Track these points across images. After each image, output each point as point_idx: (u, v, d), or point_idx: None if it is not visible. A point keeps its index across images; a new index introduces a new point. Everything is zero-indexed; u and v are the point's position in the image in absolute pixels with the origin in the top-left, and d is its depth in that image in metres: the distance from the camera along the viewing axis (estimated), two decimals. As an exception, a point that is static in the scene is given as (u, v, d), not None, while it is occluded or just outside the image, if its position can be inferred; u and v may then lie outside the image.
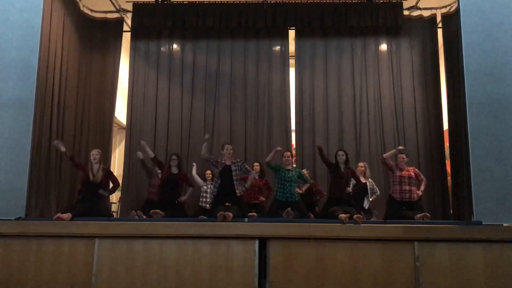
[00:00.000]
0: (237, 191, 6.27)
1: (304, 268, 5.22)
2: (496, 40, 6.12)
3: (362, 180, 7.13)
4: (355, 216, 5.48)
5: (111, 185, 6.67)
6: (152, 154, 7.39)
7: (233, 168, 6.32)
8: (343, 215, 5.52)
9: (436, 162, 8.42)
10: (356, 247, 5.27)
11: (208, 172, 7.68)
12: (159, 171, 7.38)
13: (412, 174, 6.77)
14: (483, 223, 5.51)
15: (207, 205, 7.18)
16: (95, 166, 6.43)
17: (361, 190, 7.10)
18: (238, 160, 6.55)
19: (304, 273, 5.21)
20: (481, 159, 5.83)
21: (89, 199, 6.23)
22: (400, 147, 7.01)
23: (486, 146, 5.85)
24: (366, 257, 5.23)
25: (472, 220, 5.85)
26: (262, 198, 7.45)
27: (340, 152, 6.53)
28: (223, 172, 6.33)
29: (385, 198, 7.51)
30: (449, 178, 8.36)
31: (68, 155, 6.52)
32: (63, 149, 6.46)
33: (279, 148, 6.62)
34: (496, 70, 6.04)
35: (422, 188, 6.85)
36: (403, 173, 6.73)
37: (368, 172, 7.49)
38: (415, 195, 6.66)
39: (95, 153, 6.51)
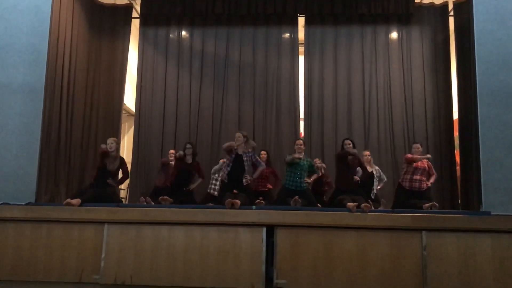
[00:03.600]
0: (243, 180, 6.27)
1: (311, 256, 5.24)
2: (509, 28, 6.03)
3: (369, 168, 7.11)
4: (363, 204, 5.47)
5: (120, 175, 6.70)
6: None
7: (245, 158, 6.31)
8: (351, 203, 5.52)
9: (445, 151, 8.38)
10: (363, 235, 5.27)
11: (222, 160, 7.64)
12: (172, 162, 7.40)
13: (426, 165, 6.73)
14: (491, 213, 5.49)
15: (215, 192, 7.20)
16: (112, 155, 6.43)
17: (368, 178, 7.08)
18: (250, 151, 6.52)
19: (311, 261, 5.23)
20: (491, 149, 5.79)
21: (100, 185, 6.27)
22: (428, 155, 6.94)
23: (497, 136, 5.80)
24: (374, 245, 5.23)
25: (481, 210, 5.82)
26: (270, 186, 7.46)
27: (347, 141, 6.52)
28: (234, 160, 6.32)
29: (393, 187, 7.49)
30: (458, 168, 8.31)
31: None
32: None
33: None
34: (508, 59, 5.96)
35: (431, 180, 6.82)
36: (419, 163, 6.67)
37: (372, 161, 7.46)
38: (425, 185, 6.63)
39: (110, 142, 6.48)
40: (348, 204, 5.53)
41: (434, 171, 6.93)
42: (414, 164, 6.66)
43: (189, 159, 6.86)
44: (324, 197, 7.21)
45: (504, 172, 5.69)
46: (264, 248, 5.26)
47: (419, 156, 6.69)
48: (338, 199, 6.00)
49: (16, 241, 5.51)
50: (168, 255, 5.33)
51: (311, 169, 6.51)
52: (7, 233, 5.55)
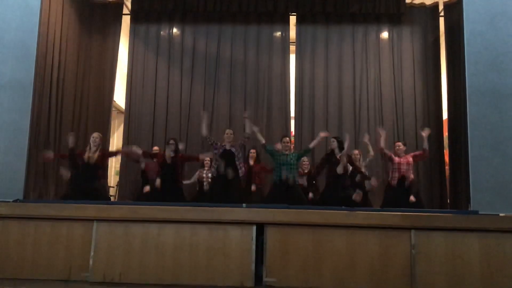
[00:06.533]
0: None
1: (301, 254, 5.25)
2: (499, 30, 6.07)
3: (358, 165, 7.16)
4: (354, 194, 5.59)
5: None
6: (139, 151, 7.11)
7: (234, 151, 6.37)
8: (357, 195, 5.68)
9: (435, 151, 8.43)
10: (353, 234, 5.29)
11: (207, 159, 7.64)
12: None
13: (410, 159, 6.79)
14: (479, 213, 5.53)
15: (208, 181, 7.20)
16: (93, 149, 6.42)
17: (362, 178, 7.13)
18: (236, 144, 6.56)
19: (301, 259, 5.23)
20: (479, 149, 5.83)
21: (85, 179, 6.26)
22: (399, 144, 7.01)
23: (485, 136, 5.84)
24: (363, 244, 5.25)
25: (469, 209, 5.87)
26: (261, 182, 7.47)
27: (332, 139, 6.57)
28: (223, 155, 6.35)
29: (383, 186, 7.53)
30: (447, 167, 8.38)
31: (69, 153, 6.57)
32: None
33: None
34: (497, 60, 6.00)
35: (416, 154, 6.94)
36: (402, 159, 6.74)
37: (361, 160, 7.49)
38: (410, 179, 6.71)
39: (95, 136, 6.53)
40: (355, 196, 5.74)
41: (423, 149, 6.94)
42: (397, 160, 6.73)
43: (171, 154, 6.81)
44: (310, 194, 7.19)
45: (492, 172, 5.73)
46: (253, 246, 5.26)
47: (382, 139, 6.79)
48: (342, 197, 6.03)
49: (4, 238, 5.44)
50: (157, 253, 5.30)
51: (303, 155, 6.62)
52: (-6, 230, 5.49)
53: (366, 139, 7.15)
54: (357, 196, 5.52)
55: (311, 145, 6.58)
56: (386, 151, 6.82)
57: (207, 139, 6.61)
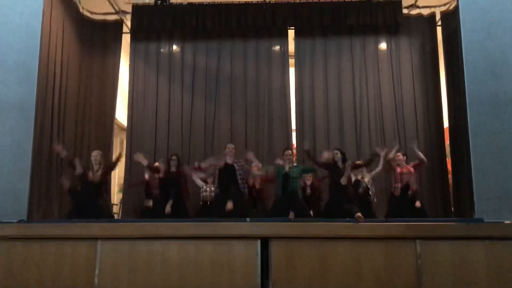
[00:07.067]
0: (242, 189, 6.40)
1: (307, 267, 5.23)
2: (496, 38, 6.12)
3: (359, 177, 7.16)
4: (356, 215, 5.52)
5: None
6: (145, 162, 7.07)
7: (236, 167, 6.36)
8: (359, 214, 5.60)
9: (437, 160, 8.42)
10: (358, 245, 5.27)
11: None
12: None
13: (411, 169, 6.80)
14: (484, 221, 5.51)
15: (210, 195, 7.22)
16: (95, 167, 6.46)
17: (364, 190, 7.13)
18: (240, 160, 6.55)
19: (307, 272, 5.21)
20: (481, 157, 5.83)
21: (88, 197, 6.30)
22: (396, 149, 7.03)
23: (487, 143, 5.85)
24: (368, 255, 5.23)
25: (474, 217, 5.85)
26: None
27: (335, 151, 6.56)
28: (224, 170, 6.36)
29: (386, 196, 7.52)
30: (449, 176, 8.36)
31: (69, 159, 6.59)
32: (63, 154, 6.55)
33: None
34: (496, 68, 6.04)
35: (416, 165, 6.92)
36: (403, 169, 6.76)
37: (365, 171, 7.49)
38: (413, 189, 6.72)
39: (95, 154, 6.58)
40: (357, 215, 5.59)
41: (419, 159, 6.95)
42: (399, 170, 6.73)
43: (174, 170, 6.86)
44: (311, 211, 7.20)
45: (496, 179, 5.72)
46: (258, 261, 5.24)
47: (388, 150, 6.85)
48: (345, 208, 5.97)
49: (8, 259, 5.44)
50: (163, 270, 5.29)
51: (305, 172, 6.58)
52: (-1, 251, 5.49)
53: (381, 152, 6.95)
54: (359, 218, 5.52)
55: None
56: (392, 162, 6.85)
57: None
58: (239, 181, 6.36)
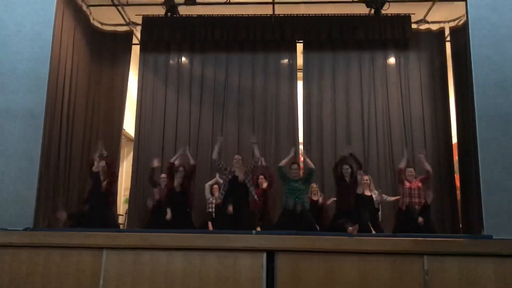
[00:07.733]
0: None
1: (312, 281, 5.16)
2: (506, 53, 6.10)
3: (367, 193, 7.10)
4: (349, 228, 5.48)
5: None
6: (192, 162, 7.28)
7: (248, 185, 6.40)
8: (351, 227, 5.49)
9: (445, 175, 8.37)
10: (365, 260, 5.20)
11: (215, 186, 7.66)
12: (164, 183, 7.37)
13: (420, 184, 6.77)
14: (493, 237, 5.44)
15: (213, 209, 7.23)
16: (102, 178, 6.51)
17: (367, 203, 7.07)
18: (249, 176, 6.60)
19: (312, 286, 5.14)
20: (491, 173, 5.77)
21: (97, 207, 6.41)
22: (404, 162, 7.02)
23: (496, 159, 5.80)
24: (375, 270, 5.16)
25: (482, 234, 5.78)
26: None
27: (345, 166, 6.53)
28: (233, 183, 6.35)
29: (394, 210, 7.46)
30: (458, 192, 8.29)
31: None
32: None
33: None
34: (505, 83, 6.01)
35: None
36: (412, 184, 6.72)
37: (372, 185, 7.46)
38: (422, 202, 6.72)
39: (102, 165, 6.69)
40: (349, 228, 5.50)
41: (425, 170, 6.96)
42: (408, 185, 6.70)
43: (180, 181, 6.88)
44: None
45: (505, 195, 5.66)
46: (264, 274, 5.19)
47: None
48: (338, 223, 5.97)
49: (14, 267, 5.42)
50: (167, 281, 5.24)
51: (308, 178, 6.63)
52: (4, 259, 5.45)
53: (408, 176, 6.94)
54: (353, 230, 5.46)
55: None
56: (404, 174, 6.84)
57: (216, 162, 6.65)
58: (250, 200, 6.40)
